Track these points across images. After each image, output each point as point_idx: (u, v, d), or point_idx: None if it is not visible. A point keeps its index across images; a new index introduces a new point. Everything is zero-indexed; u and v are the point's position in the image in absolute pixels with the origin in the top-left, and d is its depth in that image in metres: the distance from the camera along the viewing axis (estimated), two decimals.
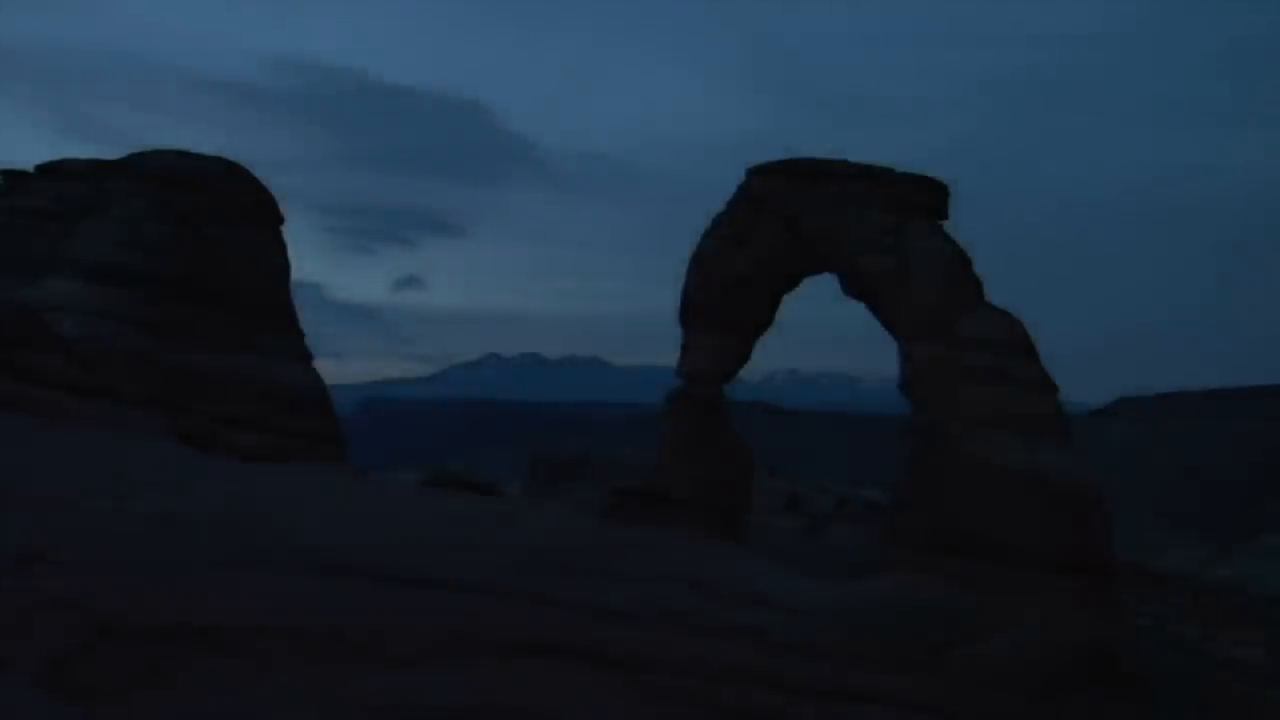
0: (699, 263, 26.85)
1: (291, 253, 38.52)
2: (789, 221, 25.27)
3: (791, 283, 26.82)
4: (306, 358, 37.03)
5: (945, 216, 24.65)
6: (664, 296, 30.03)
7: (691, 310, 26.99)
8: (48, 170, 39.24)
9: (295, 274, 38.46)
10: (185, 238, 33.64)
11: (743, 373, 28.17)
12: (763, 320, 27.17)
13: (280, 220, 38.11)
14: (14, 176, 39.96)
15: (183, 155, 35.66)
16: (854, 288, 24.82)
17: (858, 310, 25.05)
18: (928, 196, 24.37)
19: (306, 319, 38.29)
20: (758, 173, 26.44)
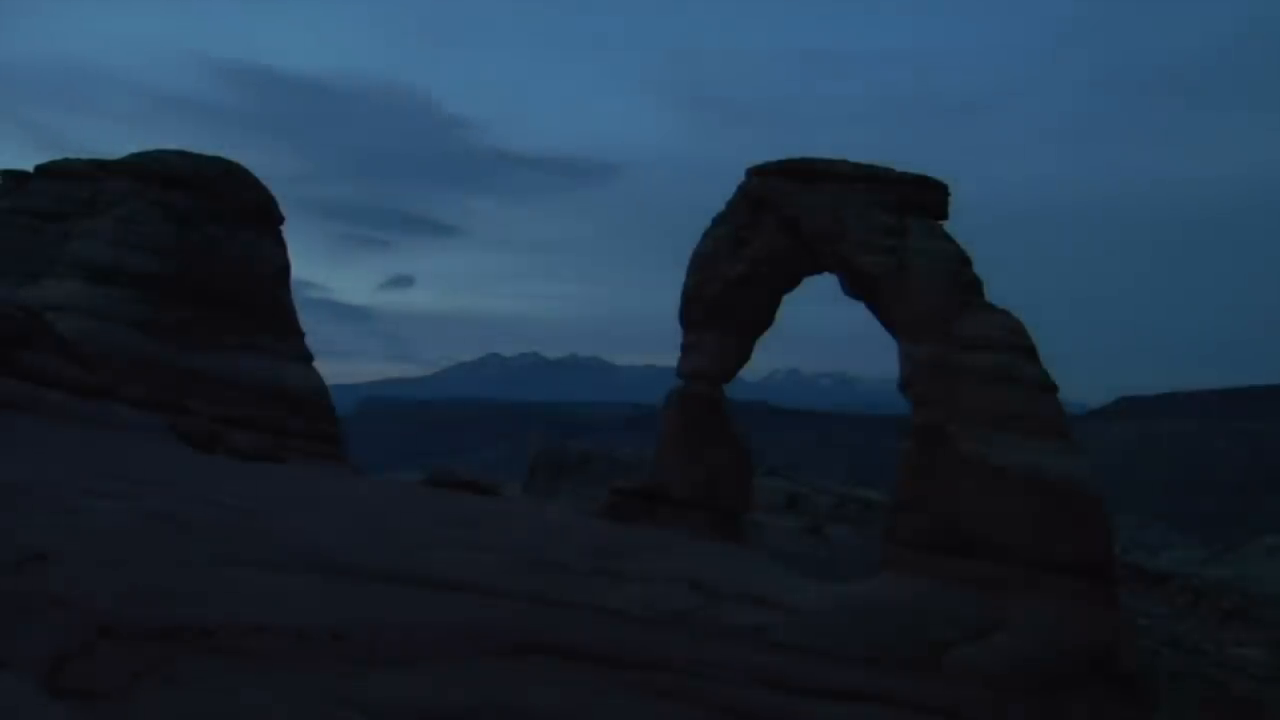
0: (699, 263, 26.82)
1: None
2: (789, 221, 25.26)
3: (791, 283, 26.79)
4: (307, 358, 37.05)
5: (945, 216, 24.66)
6: (664, 297, 30.01)
7: (691, 310, 26.98)
8: (48, 170, 39.26)
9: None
10: (185, 238, 33.64)
11: (743, 373, 28.16)
12: (763, 320, 27.15)
13: (280, 220, 38.12)
14: (14, 176, 39.98)
15: (183, 155, 35.68)
16: (854, 288, 24.81)
17: (858, 310, 25.06)
18: (928, 196, 24.38)
19: (304, 320, 38.33)
20: (757, 173, 26.41)
